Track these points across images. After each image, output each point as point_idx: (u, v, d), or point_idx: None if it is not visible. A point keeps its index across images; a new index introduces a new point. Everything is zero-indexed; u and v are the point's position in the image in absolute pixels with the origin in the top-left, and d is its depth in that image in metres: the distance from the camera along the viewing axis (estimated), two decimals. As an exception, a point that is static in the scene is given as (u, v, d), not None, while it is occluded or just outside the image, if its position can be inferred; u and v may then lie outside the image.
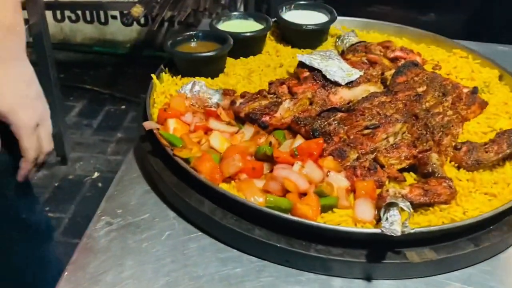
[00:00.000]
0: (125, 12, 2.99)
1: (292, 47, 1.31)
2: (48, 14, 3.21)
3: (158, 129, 0.96)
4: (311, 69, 1.10)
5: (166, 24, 3.85)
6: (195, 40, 1.20)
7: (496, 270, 0.83)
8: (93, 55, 3.75)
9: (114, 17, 3.77)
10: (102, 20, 3.81)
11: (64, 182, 2.50)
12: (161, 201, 0.93)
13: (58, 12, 3.67)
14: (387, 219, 0.77)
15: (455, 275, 0.82)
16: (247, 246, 0.83)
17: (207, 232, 0.87)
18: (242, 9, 3.53)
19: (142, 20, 3.66)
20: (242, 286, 0.79)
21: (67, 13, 3.71)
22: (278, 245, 0.80)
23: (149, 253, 0.84)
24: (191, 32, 1.21)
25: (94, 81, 3.45)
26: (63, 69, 3.14)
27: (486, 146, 0.94)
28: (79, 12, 3.75)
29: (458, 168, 0.94)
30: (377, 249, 0.80)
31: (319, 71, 1.09)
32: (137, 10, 3.13)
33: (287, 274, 0.81)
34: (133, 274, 0.81)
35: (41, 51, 2.29)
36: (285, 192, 0.86)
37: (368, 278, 0.80)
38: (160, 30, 3.86)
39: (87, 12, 3.78)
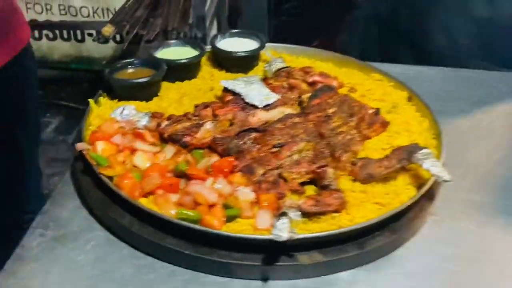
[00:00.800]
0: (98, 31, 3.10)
1: (226, 72, 1.43)
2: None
3: (89, 149, 1.07)
4: (234, 93, 1.22)
5: (142, 42, 3.97)
6: (133, 66, 1.32)
7: (379, 271, 0.95)
8: (70, 72, 3.84)
9: (90, 35, 3.87)
10: (79, 37, 3.90)
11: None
12: (89, 215, 1.04)
13: (36, 32, 3.75)
14: (277, 226, 0.88)
15: (342, 275, 0.93)
16: (160, 253, 0.94)
17: (127, 242, 0.98)
18: (214, 29, 3.66)
19: (118, 37, 3.78)
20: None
21: (45, 31, 3.79)
22: (186, 252, 0.92)
23: (74, 261, 0.95)
24: (128, 60, 1.32)
25: (71, 97, 3.51)
26: (40, 86, 3.21)
27: (379, 162, 1.06)
28: (57, 31, 3.84)
29: (354, 181, 1.06)
30: (272, 253, 0.91)
31: (240, 95, 1.21)
32: (108, 30, 3.23)
33: (194, 278, 0.92)
34: (59, 280, 0.92)
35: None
36: (197, 205, 0.97)
37: (265, 279, 0.92)
38: (137, 47, 3.98)
39: (64, 31, 3.87)
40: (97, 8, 3.05)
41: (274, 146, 1.06)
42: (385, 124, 1.19)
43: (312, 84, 1.31)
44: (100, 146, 1.06)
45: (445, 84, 1.50)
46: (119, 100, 1.27)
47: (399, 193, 1.04)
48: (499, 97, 1.43)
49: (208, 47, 1.44)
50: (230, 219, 0.95)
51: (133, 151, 1.08)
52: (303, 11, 3.74)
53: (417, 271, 0.95)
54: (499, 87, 1.47)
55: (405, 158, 1.06)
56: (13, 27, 1.31)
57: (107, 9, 3.06)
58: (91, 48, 4.07)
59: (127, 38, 3.51)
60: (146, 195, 1.00)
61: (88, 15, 3.30)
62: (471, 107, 1.39)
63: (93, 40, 3.92)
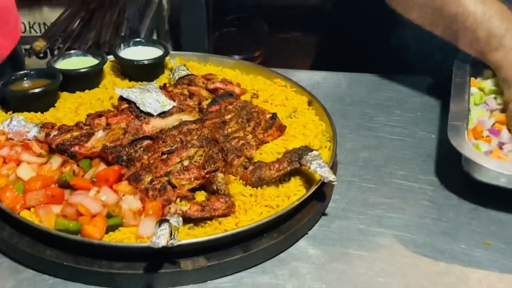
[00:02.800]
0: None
1: (130, 80, 1.41)
2: None
3: (-29, 163, 1.03)
4: (129, 101, 1.21)
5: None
6: (28, 78, 1.29)
7: (265, 273, 0.95)
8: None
9: (26, 50, 3.77)
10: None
11: None
12: (-31, 229, 1.00)
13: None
14: (157, 233, 0.87)
15: (227, 279, 0.93)
16: (40, 266, 0.92)
17: (7, 255, 0.94)
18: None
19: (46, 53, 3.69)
20: (30, 303, 0.87)
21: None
22: (65, 263, 0.89)
23: (-52, 279, 0.91)
24: (24, 71, 1.29)
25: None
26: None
27: (270, 165, 1.07)
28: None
29: (246, 185, 1.06)
30: (155, 260, 0.90)
31: (135, 103, 1.20)
32: (39, 44, 3.16)
33: (75, 290, 0.90)
34: None
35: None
36: (80, 215, 0.95)
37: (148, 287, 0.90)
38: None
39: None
40: (34, 23, 2.99)
41: (164, 153, 1.06)
42: (282, 128, 1.20)
43: (213, 91, 1.32)
44: (-18, 159, 1.02)
45: (350, 88, 1.54)
46: (14, 112, 1.23)
47: (290, 195, 1.05)
48: (399, 99, 1.47)
49: (110, 57, 1.43)
50: (112, 228, 0.93)
51: (19, 163, 1.05)
52: (244, 23, 3.78)
53: (305, 272, 0.96)
54: (400, 89, 1.52)
55: (295, 160, 1.07)
56: (16, 18, 1.45)
57: (44, 24, 3.01)
58: (29, 63, 3.97)
59: (60, 53, 3.45)
60: (28, 207, 0.97)
61: (25, 30, 3.23)
62: (372, 109, 1.43)
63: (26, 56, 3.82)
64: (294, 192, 1.05)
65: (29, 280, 0.91)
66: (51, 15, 3.45)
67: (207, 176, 1.03)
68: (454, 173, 1.15)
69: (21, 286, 0.90)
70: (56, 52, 3.30)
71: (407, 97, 1.49)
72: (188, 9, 3.10)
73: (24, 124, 1.14)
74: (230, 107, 1.24)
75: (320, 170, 1.02)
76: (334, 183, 1.02)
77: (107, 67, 1.42)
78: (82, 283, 0.91)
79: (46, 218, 0.94)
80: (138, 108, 1.19)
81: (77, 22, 3.72)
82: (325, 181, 1.02)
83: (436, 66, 1.50)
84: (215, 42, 3.32)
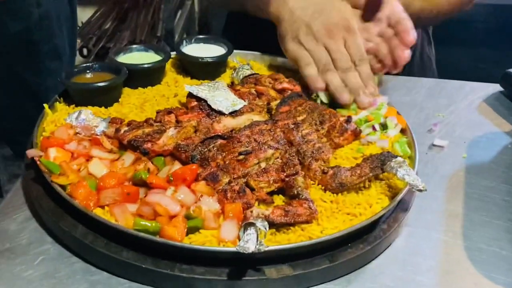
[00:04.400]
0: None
1: (192, 78, 1.37)
2: None
3: (41, 156, 0.99)
4: (199, 99, 1.16)
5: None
6: (91, 71, 1.25)
7: (351, 285, 0.89)
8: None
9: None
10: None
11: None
12: (40, 227, 0.96)
13: None
14: (244, 238, 0.82)
15: (312, 290, 0.88)
16: (116, 268, 0.87)
17: (80, 256, 0.90)
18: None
19: (85, 51, 3.69)
20: (107, 306, 0.82)
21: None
22: (144, 266, 0.84)
23: (20, 277, 0.86)
24: (87, 64, 1.25)
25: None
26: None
27: (351, 170, 1.01)
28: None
29: (325, 190, 1.01)
30: (238, 267, 0.85)
31: (206, 101, 1.15)
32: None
33: (153, 294, 0.85)
34: (2, 298, 0.83)
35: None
36: (157, 215, 0.90)
37: (230, 295, 0.85)
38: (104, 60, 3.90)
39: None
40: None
41: (241, 153, 1.00)
42: (357, 132, 1.14)
43: (280, 91, 1.27)
44: (53, 153, 0.98)
45: (410, 92, 1.48)
46: (76, 106, 1.19)
47: (372, 203, 0.99)
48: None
49: (173, 53, 1.38)
50: (192, 230, 0.88)
51: (89, 158, 1.00)
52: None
53: (390, 285, 0.90)
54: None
55: (378, 166, 1.01)
56: None
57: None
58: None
59: (94, 51, 3.44)
60: (102, 205, 0.92)
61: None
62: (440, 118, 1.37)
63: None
64: (376, 200, 1.00)
65: (103, 283, 0.86)
66: (81, 14, 3.44)
67: (286, 179, 0.98)
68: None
69: (95, 288, 0.85)
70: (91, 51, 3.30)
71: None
72: (219, 13, 3.10)
73: (92, 118, 1.09)
74: (300, 108, 1.19)
75: (408, 177, 0.96)
76: (424, 191, 0.96)
77: (167, 64, 1.38)
78: (159, 287, 0.85)
79: (122, 217, 0.89)
80: (208, 106, 1.14)
81: (110, 22, 3.72)
82: (414, 189, 0.96)
83: None
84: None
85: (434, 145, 1.27)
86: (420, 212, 1.05)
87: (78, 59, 3.22)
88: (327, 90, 1.23)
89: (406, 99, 1.44)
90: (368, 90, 1.22)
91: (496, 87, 1.50)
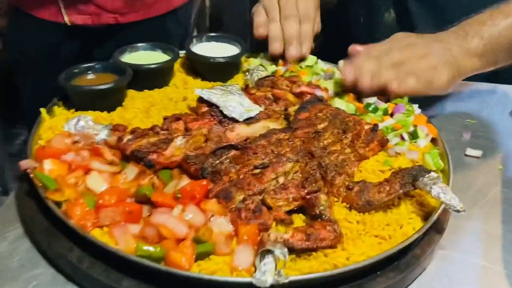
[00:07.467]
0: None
1: (202, 80, 1.27)
2: None
3: (35, 168, 0.89)
4: (210, 104, 1.06)
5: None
6: (93, 72, 1.15)
7: (381, 319, 0.79)
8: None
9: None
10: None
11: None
12: (33, 247, 0.86)
13: None
14: (260, 268, 0.72)
15: (338, 325, 0.77)
16: (115, 298, 0.77)
17: (75, 282, 0.80)
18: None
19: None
20: None
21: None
22: (146, 298, 0.74)
23: (8, 307, 0.77)
24: (88, 64, 1.15)
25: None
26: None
27: (379, 186, 0.91)
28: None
29: (350, 209, 0.90)
30: (254, 299, 0.75)
31: (217, 106, 1.05)
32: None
33: (157, 329, 0.75)
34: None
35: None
36: (162, 238, 0.80)
37: (244, 332, 0.75)
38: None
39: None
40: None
41: (256, 167, 0.90)
42: (384, 142, 1.04)
43: (299, 95, 1.16)
44: (48, 165, 0.88)
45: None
46: (77, 110, 1.09)
47: (402, 223, 0.88)
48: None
49: (182, 52, 1.28)
50: (202, 256, 0.78)
51: (88, 171, 0.90)
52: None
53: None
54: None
55: (409, 183, 0.91)
56: None
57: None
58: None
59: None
60: (101, 225, 0.82)
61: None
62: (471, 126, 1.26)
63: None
64: (407, 220, 0.89)
65: (101, 314, 0.76)
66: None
67: (307, 196, 0.87)
68: None
69: (91, 320, 0.75)
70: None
71: None
72: (232, 8, 3.02)
73: (92, 125, 0.99)
74: (320, 114, 1.08)
75: (444, 196, 0.86)
76: (462, 212, 0.85)
77: (176, 64, 1.27)
78: (164, 321, 0.76)
79: (123, 240, 0.79)
80: (220, 112, 1.04)
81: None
82: (451, 210, 0.86)
83: None
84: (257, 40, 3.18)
85: (466, 155, 1.16)
86: (454, 233, 0.95)
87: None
88: (266, 39, 1.25)
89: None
90: (301, 47, 1.25)
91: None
